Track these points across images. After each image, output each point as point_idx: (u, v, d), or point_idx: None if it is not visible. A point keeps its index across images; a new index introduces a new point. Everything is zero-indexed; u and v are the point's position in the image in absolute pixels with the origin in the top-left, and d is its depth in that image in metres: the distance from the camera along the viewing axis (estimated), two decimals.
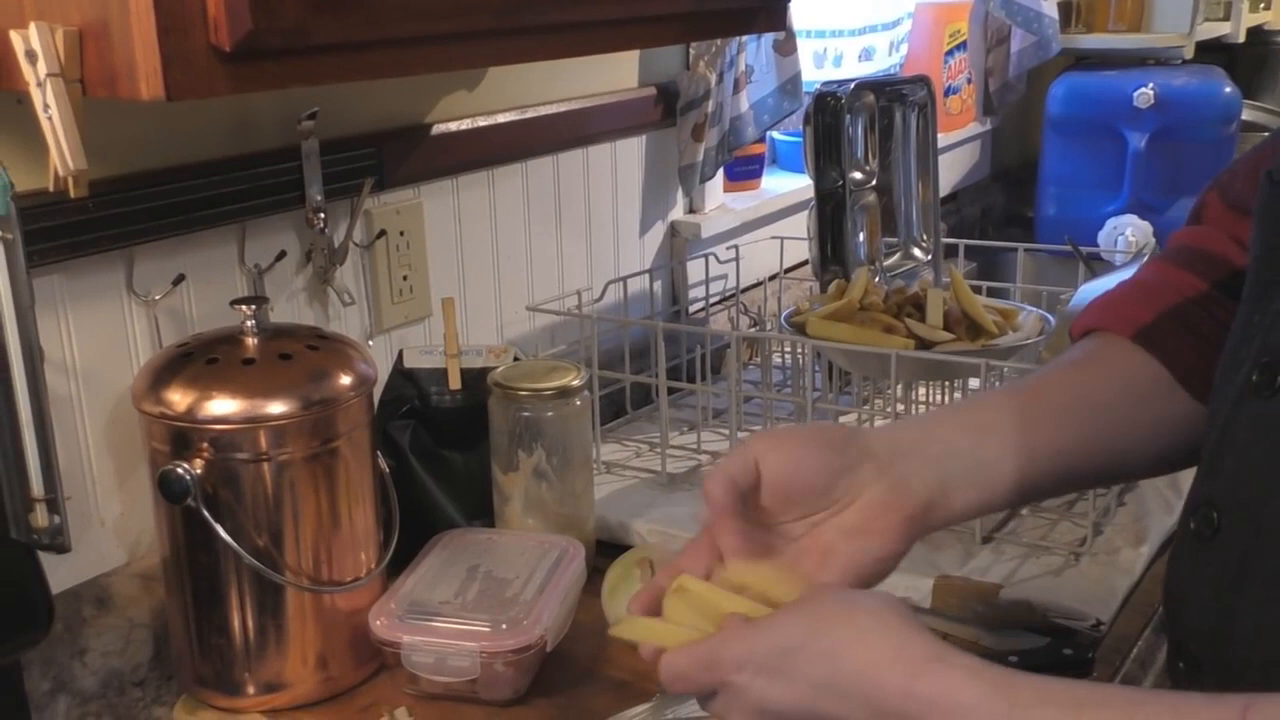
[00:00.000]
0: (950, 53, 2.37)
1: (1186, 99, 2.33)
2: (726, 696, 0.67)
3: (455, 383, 1.18)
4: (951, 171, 2.50)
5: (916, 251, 1.73)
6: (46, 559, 0.90)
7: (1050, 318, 1.28)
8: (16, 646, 0.89)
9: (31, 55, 0.70)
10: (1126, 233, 2.29)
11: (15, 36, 0.71)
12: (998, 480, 0.76)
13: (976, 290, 1.32)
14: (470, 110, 1.35)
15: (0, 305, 0.81)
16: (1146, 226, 2.30)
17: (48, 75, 0.70)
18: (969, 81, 2.44)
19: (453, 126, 1.32)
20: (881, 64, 2.17)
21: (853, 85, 1.53)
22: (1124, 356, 0.82)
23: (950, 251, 1.77)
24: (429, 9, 0.82)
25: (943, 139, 2.39)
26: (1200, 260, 0.83)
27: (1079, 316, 0.87)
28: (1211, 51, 2.69)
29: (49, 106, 0.70)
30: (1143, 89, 2.33)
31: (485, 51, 0.90)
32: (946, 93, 2.38)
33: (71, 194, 0.75)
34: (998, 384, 1.24)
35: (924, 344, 1.18)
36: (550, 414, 1.12)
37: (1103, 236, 2.32)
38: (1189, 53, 2.53)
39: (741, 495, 0.74)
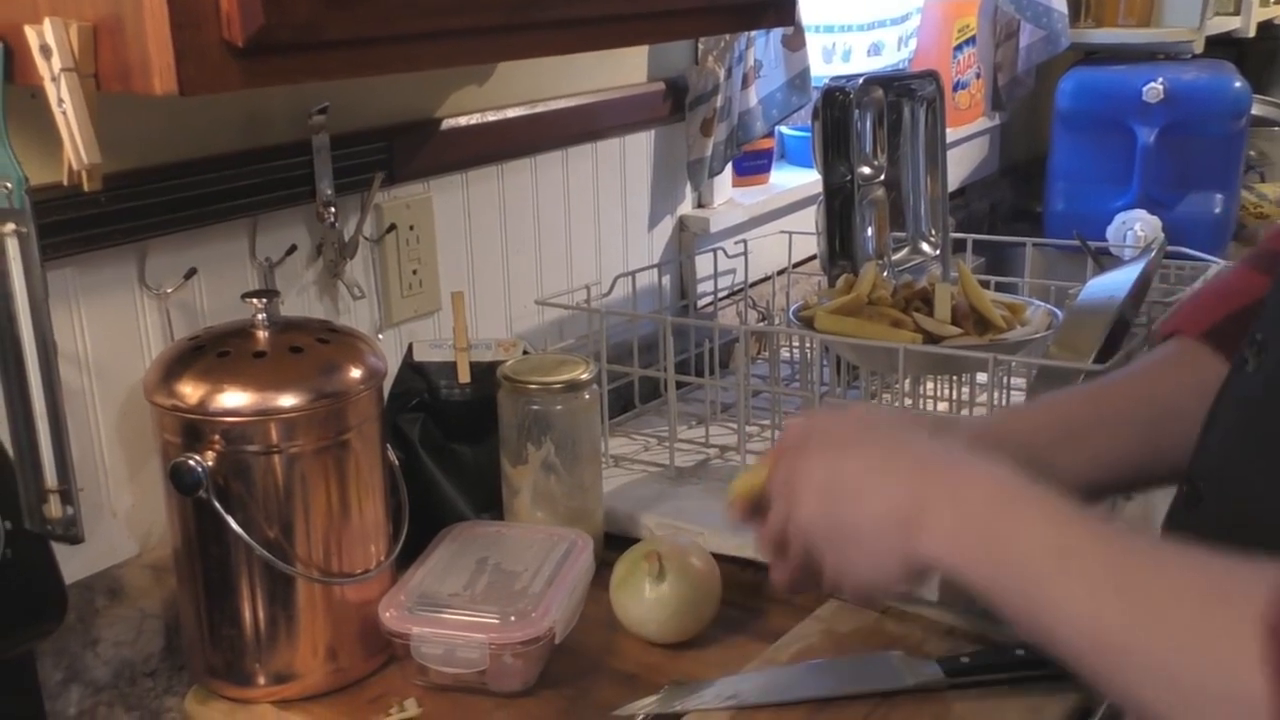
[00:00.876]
0: (959, 48, 2.37)
1: (1196, 94, 2.32)
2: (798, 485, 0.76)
3: (465, 376, 1.19)
4: (960, 166, 2.50)
5: (925, 246, 1.73)
6: (59, 549, 0.92)
7: (1058, 312, 1.28)
8: (30, 636, 0.90)
9: (46, 50, 0.70)
10: (1135, 227, 2.29)
11: (30, 32, 0.71)
12: (1063, 483, 0.72)
13: (984, 285, 1.32)
14: (479, 105, 1.35)
15: (15, 298, 0.81)
16: (1156, 221, 2.29)
17: (62, 70, 0.70)
18: (978, 76, 2.44)
19: (462, 121, 1.33)
20: (890, 59, 2.17)
21: (861, 80, 1.54)
22: (1194, 358, 0.84)
23: (958, 246, 1.77)
24: (439, 5, 0.82)
25: (951, 134, 2.38)
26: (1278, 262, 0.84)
27: (1163, 321, 0.89)
28: (1221, 46, 2.68)
29: (63, 101, 0.71)
30: (1152, 84, 2.33)
31: (495, 47, 0.91)
32: (955, 88, 2.38)
33: (85, 188, 0.75)
34: (1006, 378, 1.24)
35: (931, 338, 1.18)
36: (559, 407, 1.13)
37: (1111, 231, 2.32)
38: (1199, 47, 2.52)
39: None
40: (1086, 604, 0.61)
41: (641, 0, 1.01)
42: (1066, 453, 0.82)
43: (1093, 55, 2.60)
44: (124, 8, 0.70)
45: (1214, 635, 0.55)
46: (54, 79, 0.71)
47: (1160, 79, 2.34)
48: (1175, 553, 0.61)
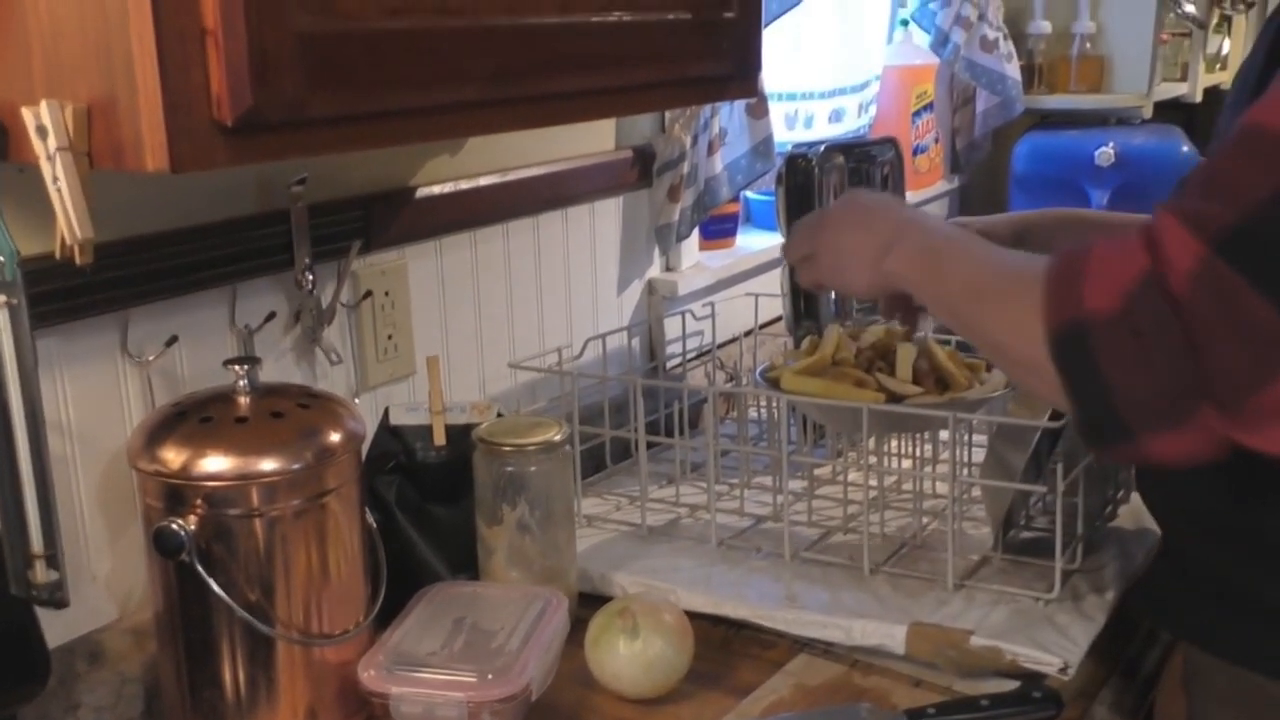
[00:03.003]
0: (918, 113, 2.43)
1: (1145, 157, 2.40)
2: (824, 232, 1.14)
3: (440, 439, 1.21)
4: None
5: None
6: (42, 614, 0.93)
7: None
8: (14, 700, 0.91)
9: (42, 130, 0.73)
10: None
11: (26, 113, 0.74)
12: None
13: (946, 343, 1.36)
14: (453, 174, 1.39)
15: (4, 367, 0.83)
16: None
17: (57, 149, 0.73)
18: (936, 141, 2.51)
19: (436, 190, 1.36)
20: (851, 125, 2.23)
21: (823, 148, 1.58)
22: None
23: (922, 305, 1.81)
24: (418, 81, 0.86)
25: (912, 196, 2.44)
26: None
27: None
28: (1171, 110, 2.76)
29: (58, 179, 0.74)
30: (1103, 148, 2.40)
31: (472, 121, 0.94)
32: (915, 151, 2.44)
33: (78, 261, 0.78)
34: (966, 436, 1.28)
35: (894, 398, 1.22)
36: (533, 468, 1.15)
37: None
38: (1148, 112, 2.60)
39: None
40: (954, 299, 0.97)
41: (611, 75, 1.05)
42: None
43: (1047, 120, 2.67)
44: (118, 89, 0.73)
45: (1016, 319, 0.86)
46: (50, 158, 0.74)
47: (1111, 143, 2.41)
48: (1005, 256, 0.95)
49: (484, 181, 1.43)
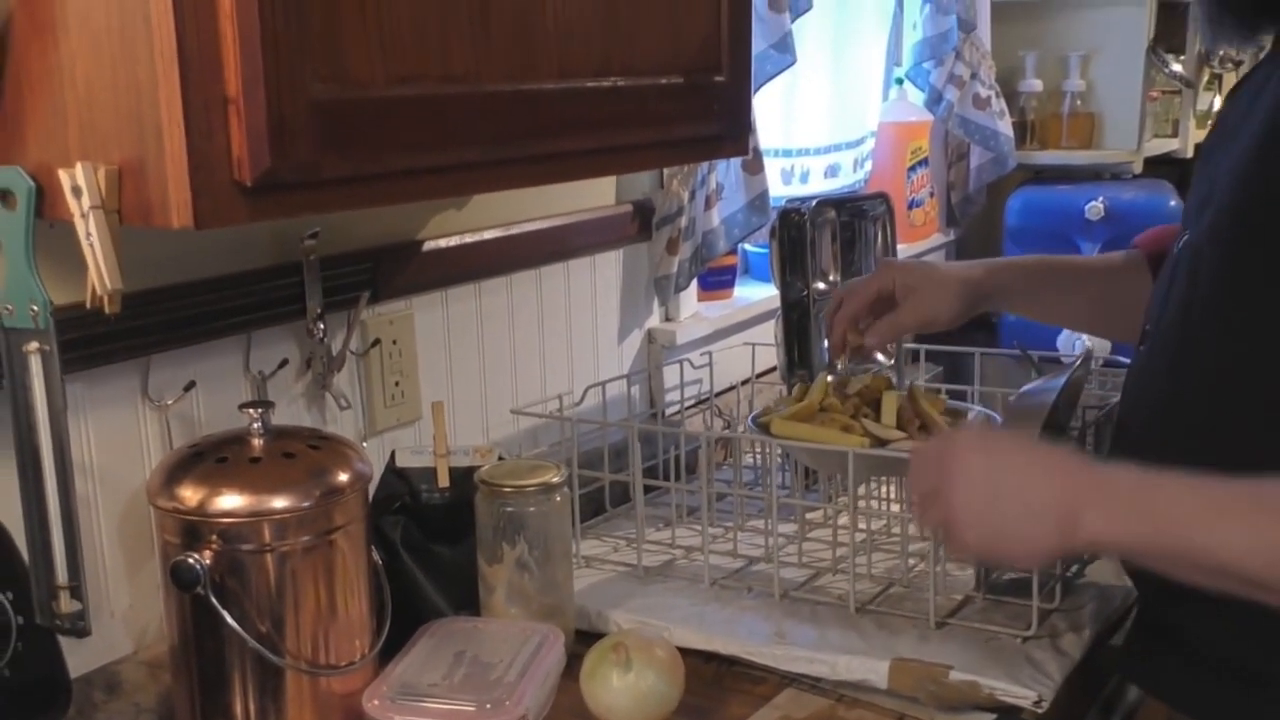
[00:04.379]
0: (913, 168, 2.50)
1: (1135, 211, 2.46)
2: (955, 468, 0.95)
3: (444, 481, 1.27)
4: None
5: (880, 356, 1.83)
6: (63, 645, 0.98)
7: (996, 417, 1.37)
8: None
9: (77, 190, 0.80)
10: (1083, 337, 2.40)
11: (63, 174, 0.80)
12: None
13: (937, 392, 1.42)
14: (458, 228, 1.45)
15: (36, 410, 0.90)
16: None
17: (91, 208, 0.79)
18: (931, 195, 2.57)
19: (442, 243, 1.42)
20: (847, 180, 2.30)
21: (815, 202, 1.65)
22: (1139, 267, 1.30)
23: (914, 356, 1.87)
24: (424, 144, 0.92)
25: (908, 248, 2.51)
26: None
27: (1138, 236, 1.35)
28: (1164, 165, 2.83)
29: (90, 234, 0.80)
30: (1093, 202, 2.47)
31: (475, 181, 1.01)
32: (910, 205, 2.50)
33: (106, 310, 0.84)
34: None
35: (879, 442, 1.27)
36: (532, 509, 1.21)
37: (1061, 341, 2.43)
38: (1138, 168, 2.67)
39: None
40: (1238, 547, 0.84)
41: (607, 137, 1.11)
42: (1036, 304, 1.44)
43: (1039, 175, 2.74)
44: (147, 152, 0.79)
45: None
46: (83, 215, 0.80)
47: (1101, 198, 2.48)
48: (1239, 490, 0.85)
49: (488, 235, 1.49)
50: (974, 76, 2.49)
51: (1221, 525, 0.85)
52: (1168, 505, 0.87)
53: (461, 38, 0.92)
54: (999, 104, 2.54)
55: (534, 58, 0.99)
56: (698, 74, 1.19)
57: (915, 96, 2.51)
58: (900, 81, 2.52)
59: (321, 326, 1.26)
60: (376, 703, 1.06)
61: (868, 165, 2.40)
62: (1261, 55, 1.04)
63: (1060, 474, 0.92)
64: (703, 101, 1.21)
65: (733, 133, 1.27)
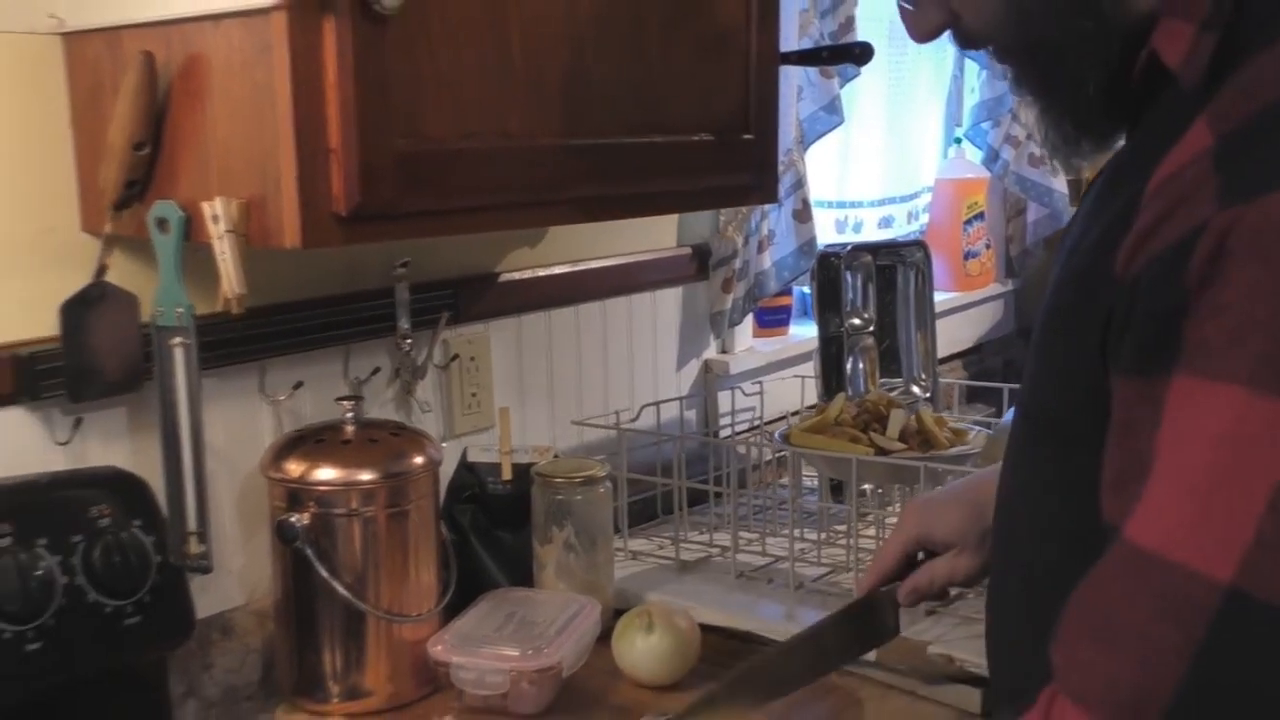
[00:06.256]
0: (969, 222, 2.68)
1: None
2: None
3: (507, 474, 1.49)
4: (975, 326, 2.79)
5: (915, 389, 2.02)
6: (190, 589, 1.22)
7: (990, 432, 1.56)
8: (167, 646, 1.20)
9: (215, 218, 1.04)
10: None
11: (205, 206, 1.05)
12: None
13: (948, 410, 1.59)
14: (531, 263, 1.69)
15: (177, 391, 1.14)
16: None
17: (225, 231, 1.04)
18: (988, 247, 2.74)
19: (516, 275, 1.66)
20: (900, 231, 2.49)
21: (850, 247, 1.85)
22: None
23: (950, 389, 2.05)
24: (484, 187, 1.15)
25: (965, 297, 2.69)
26: None
27: None
28: None
29: (224, 253, 1.05)
30: None
31: (528, 216, 1.24)
32: (966, 256, 2.68)
33: (234, 311, 1.08)
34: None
35: (882, 452, 1.46)
36: (578, 498, 1.42)
37: None
38: None
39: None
40: None
41: (644, 184, 1.33)
42: None
43: None
44: (269, 190, 1.03)
45: None
46: (220, 238, 1.04)
47: None
48: None
49: (557, 270, 1.72)
50: (1030, 136, 2.67)
51: None
52: None
53: (518, 103, 1.15)
54: (1053, 162, 2.71)
55: (578, 119, 1.21)
56: (728, 132, 1.40)
57: (973, 155, 2.69)
58: (959, 141, 2.70)
59: (409, 342, 1.50)
60: (440, 648, 1.27)
61: (923, 218, 2.58)
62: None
63: None
64: (732, 156, 1.42)
65: (760, 183, 1.47)
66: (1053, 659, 0.73)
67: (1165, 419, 0.70)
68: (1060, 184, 2.72)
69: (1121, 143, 0.88)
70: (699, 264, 1.97)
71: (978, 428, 1.60)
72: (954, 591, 1.24)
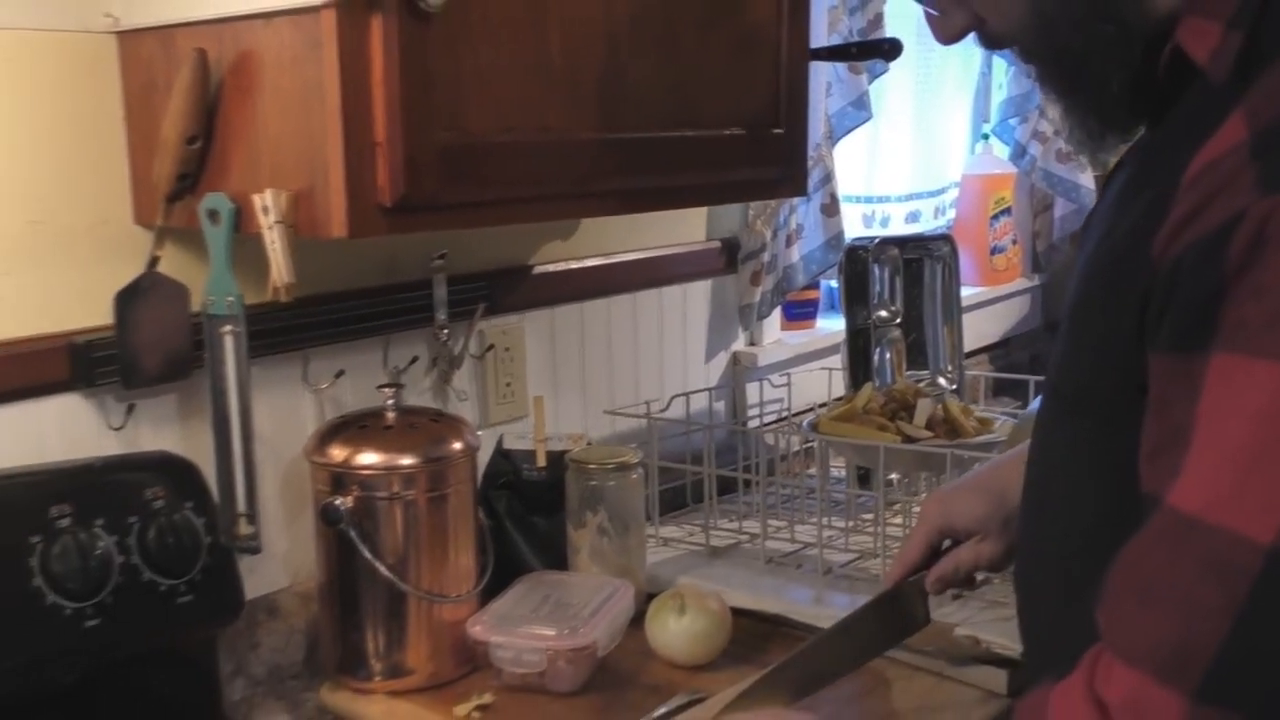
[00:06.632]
0: (996, 217, 2.70)
1: None
2: None
3: (541, 461, 1.53)
4: (1003, 320, 2.81)
5: (942, 381, 2.04)
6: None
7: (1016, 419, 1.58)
8: (217, 624, 1.25)
9: (265, 210, 1.08)
10: None
11: (255, 198, 1.09)
12: None
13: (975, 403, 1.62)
14: (564, 255, 1.72)
15: (228, 379, 1.18)
16: None
17: (275, 222, 1.08)
18: (1014, 242, 2.77)
19: (550, 268, 1.69)
20: (927, 226, 2.51)
21: (878, 241, 1.88)
22: None
23: (976, 381, 2.07)
24: (523, 180, 1.18)
25: (992, 291, 2.71)
26: None
27: None
28: None
29: (274, 243, 1.09)
30: None
31: (563, 208, 1.28)
32: (993, 251, 2.70)
33: (283, 299, 1.12)
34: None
35: (909, 440, 1.49)
36: (611, 483, 1.46)
37: None
38: None
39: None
40: None
41: (677, 177, 1.36)
42: None
43: None
44: (317, 182, 1.07)
45: None
46: (270, 228, 1.08)
47: None
48: None
49: (590, 263, 1.76)
50: (1057, 132, 2.69)
51: None
52: None
53: (556, 99, 1.19)
54: (1080, 158, 2.73)
55: (614, 114, 1.25)
56: (758, 127, 1.43)
57: (1001, 151, 2.71)
58: (987, 137, 2.73)
59: (446, 333, 1.53)
60: (479, 628, 1.31)
61: (950, 213, 2.61)
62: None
63: None
64: (763, 150, 1.45)
65: (790, 176, 1.51)
66: (1099, 620, 0.76)
67: (1204, 394, 0.73)
68: (1088, 179, 2.73)
69: (1141, 132, 0.91)
70: (728, 257, 2.00)
71: (1004, 416, 1.63)
72: (980, 577, 1.27)
